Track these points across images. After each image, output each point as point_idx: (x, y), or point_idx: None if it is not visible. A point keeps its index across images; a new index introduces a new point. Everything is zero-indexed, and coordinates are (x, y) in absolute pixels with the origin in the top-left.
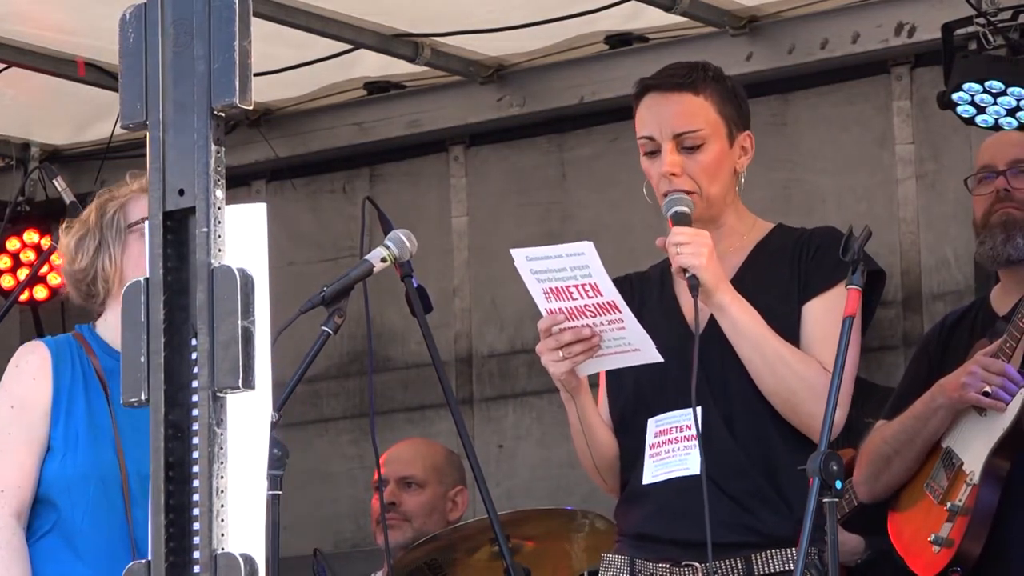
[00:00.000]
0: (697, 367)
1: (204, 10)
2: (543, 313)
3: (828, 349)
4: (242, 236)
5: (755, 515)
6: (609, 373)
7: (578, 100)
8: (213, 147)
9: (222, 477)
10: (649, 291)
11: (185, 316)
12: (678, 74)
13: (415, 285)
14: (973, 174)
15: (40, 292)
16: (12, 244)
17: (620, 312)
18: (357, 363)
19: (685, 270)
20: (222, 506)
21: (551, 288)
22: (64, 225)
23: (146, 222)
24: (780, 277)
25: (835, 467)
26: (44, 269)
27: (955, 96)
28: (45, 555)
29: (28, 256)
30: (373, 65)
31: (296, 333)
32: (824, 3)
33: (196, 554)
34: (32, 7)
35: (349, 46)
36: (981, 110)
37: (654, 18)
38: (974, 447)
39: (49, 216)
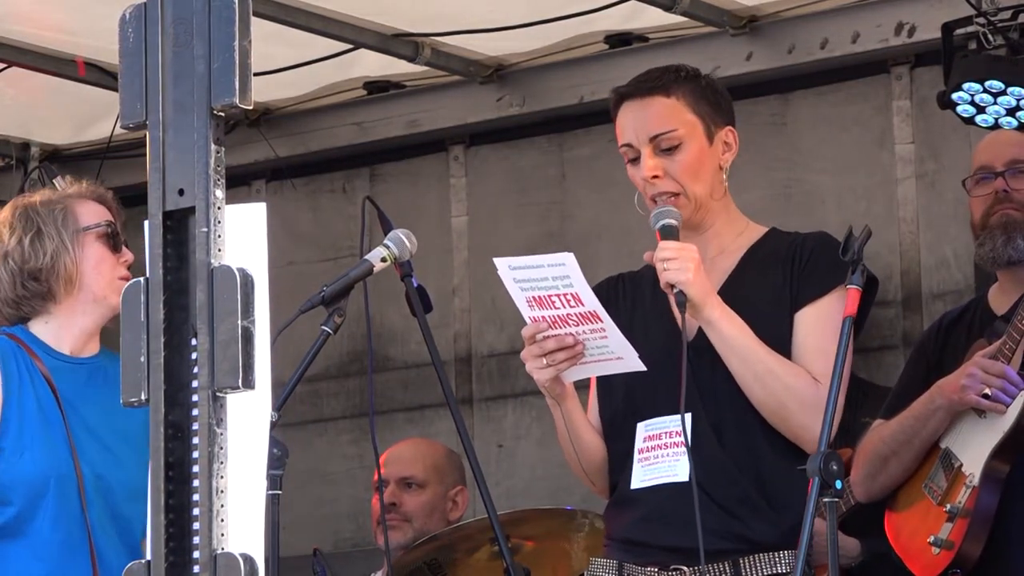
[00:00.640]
0: (687, 375)
1: (204, 10)
2: (527, 321)
3: (819, 360)
4: (242, 236)
5: (744, 523)
6: (599, 377)
7: (578, 100)
8: (213, 147)
9: (222, 477)
10: (642, 292)
11: (185, 316)
12: (649, 79)
13: (415, 285)
14: (970, 175)
15: None
16: None
17: (602, 322)
18: (357, 363)
19: (672, 286)
20: (222, 506)
21: (534, 297)
22: None
23: (101, 225)
24: (772, 284)
25: (835, 467)
26: None
27: (955, 96)
28: (1, 554)
29: None
30: (373, 65)
31: (296, 333)
32: (824, 3)
33: (196, 554)
34: (32, 7)
35: (349, 46)
36: (981, 110)
37: (654, 18)
38: (973, 449)
39: None
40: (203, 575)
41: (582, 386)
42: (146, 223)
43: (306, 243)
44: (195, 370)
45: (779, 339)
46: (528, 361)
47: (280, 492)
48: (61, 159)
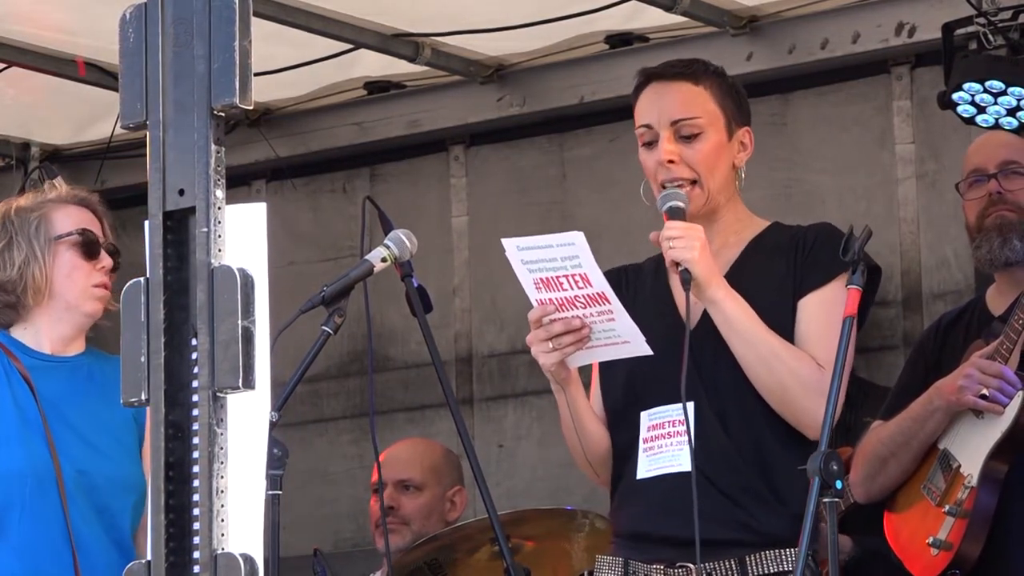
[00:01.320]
0: (690, 362)
1: (204, 10)
2: (533, 304)
3: (822, 345)
4: (242, 236)
5: (748, 511)
6: (602, 366)
7: (578, 100)
8: (213, 147)
9: (222, 477)
10: (642, 283)
11: (185, 316)
12: (679, 64)
13: (415, 285)
14: (963, 179)
15: None
16: None
17: (610, 303)
18: (357, 363)
19: (678, 264)
20: (222, 506)
21: (541, 278)
22: None
23: (73, 234)
24: (775, 272)
25: (835, 467)
26: None
27: (955, 96)
28: None
29: None
30: (373, 65)
31: (296, 333)
32: (824, 3)
33: (196, 554)
34: (32, 7)
35: (349, 46)
36: (981, 110)
37: (654, 18)
38: (971, 449)
39: None
40: (203, 575)
41: (586, 381)
42: (146, 223)
43: (306, 243)
44: (195, 370)
45: (782, 326)
46: (534, 345)
47: (280, 492)
48: (61, 159)
